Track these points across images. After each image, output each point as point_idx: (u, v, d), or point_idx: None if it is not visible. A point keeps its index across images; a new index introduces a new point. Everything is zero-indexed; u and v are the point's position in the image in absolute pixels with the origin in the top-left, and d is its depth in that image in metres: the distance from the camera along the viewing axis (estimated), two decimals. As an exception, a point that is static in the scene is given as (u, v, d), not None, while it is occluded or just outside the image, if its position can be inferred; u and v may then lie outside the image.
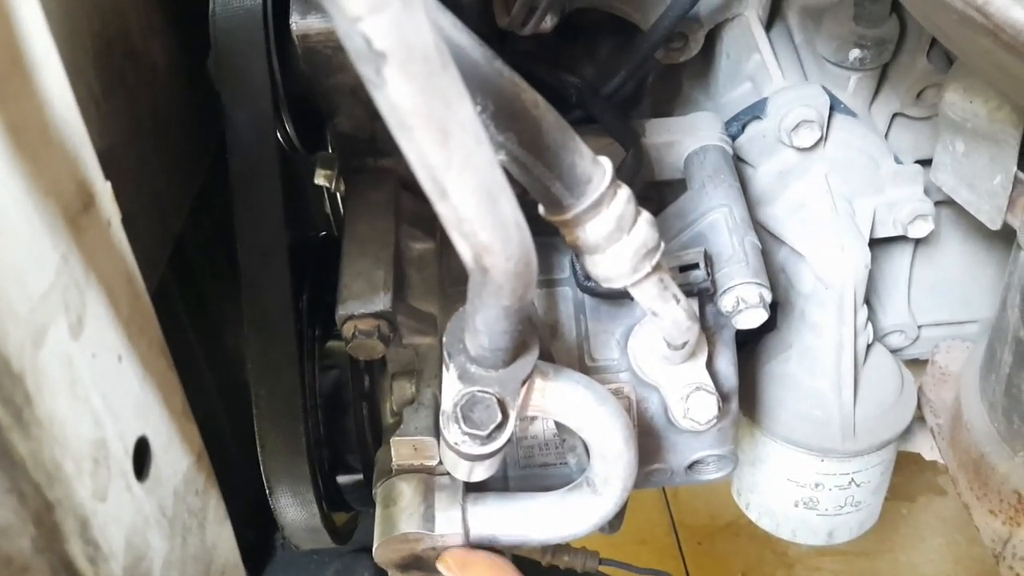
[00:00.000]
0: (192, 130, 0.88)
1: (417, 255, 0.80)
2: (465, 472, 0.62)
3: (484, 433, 0.57)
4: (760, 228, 0.90)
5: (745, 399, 0.93)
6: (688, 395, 0.72)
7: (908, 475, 1.01)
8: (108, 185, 0.44)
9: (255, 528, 1.27)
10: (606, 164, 0.55)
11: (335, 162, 0.88)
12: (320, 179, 0.90)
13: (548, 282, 0.78)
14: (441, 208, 0.42)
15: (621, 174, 0.76)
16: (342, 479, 0.84)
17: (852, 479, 0.94)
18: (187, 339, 1.12)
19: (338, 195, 1.01)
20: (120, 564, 0.39)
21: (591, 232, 0.56)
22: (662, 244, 0.59)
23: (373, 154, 0.82)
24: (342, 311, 0.71)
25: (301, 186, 0.94)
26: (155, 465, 0.43)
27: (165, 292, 1.04)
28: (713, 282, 0.72)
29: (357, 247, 0.76)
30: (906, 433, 0.98)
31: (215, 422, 1.16)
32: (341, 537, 0.85)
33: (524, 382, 0.58)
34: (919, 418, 0.99)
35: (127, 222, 0.47)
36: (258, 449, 0.75)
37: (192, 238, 0.98)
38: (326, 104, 0.80)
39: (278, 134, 0.81)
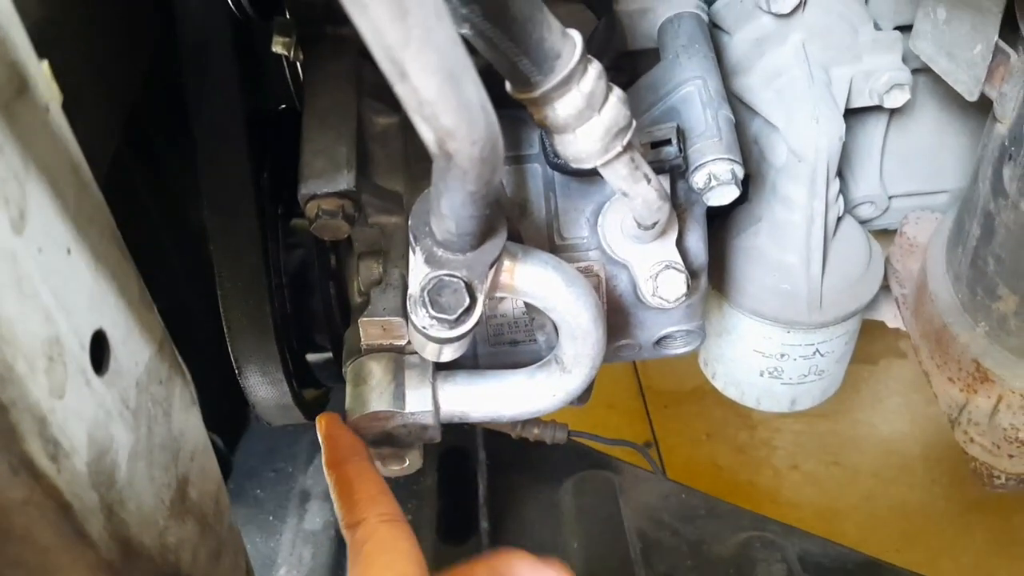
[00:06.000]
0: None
1: (381, 130, 0.78)
2: (434, 353, 0.62)
3: (452, 317, 0.56)
4: (734, 99, 0.88)
5: (714, 272, 0.94)
6: (657, 273, 0.71)
7: (870, 338, 1.04)
8: (44, 64, 0.41)
9: (229, 401, 1.28)
10: (576, 38, 0.53)
11: (293, 29, 0.84)
12: (277, 47, 0.86)
13: (517, 158, 0.76)
14: (401, 90, 0.40)
15: (592, 44, 0.73)
16: (312, 357, 0.84)
17: (817, 349, 0.96)
18: (149, 215, 1.10)
19: (298, 64, 0.97)
20: (83, 459, 0.39)
21: (560, 110, 0.54)
22: (633, 122, 0.57)
23: (331, 21, 0.78)
24: (304, 190, 0.69)
25: (259, 56, 0.90)
26: (114, 358, 0.42)
27: (123, 169, 1.01)
28: (685, 158, 0.70)
29: (318, 122, 0.73)
30: (871, 302, 0.99)
31: (183, 297, 1.15)
32: (313, 413, 0.85)
33: (492, 265, 0.57)
34: (884, 287, 1.00)
35: (72, 98, 0.45)
36: (225, 330, 0.75)
37: (148, 110, 0.94)
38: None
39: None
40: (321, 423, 0.68)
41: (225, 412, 1.26)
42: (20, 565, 0.37)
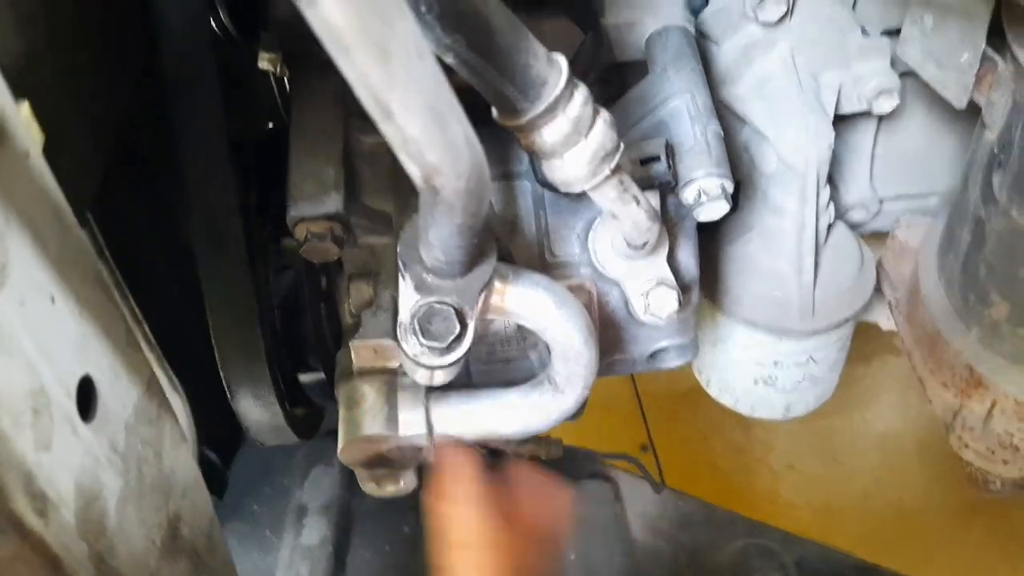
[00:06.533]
0: (131, 16, 0.81)
1: (368, 149, 0.77)
2: (425, 379, 0.62)
3: (443, 345, 0.56)
4: (723, 107, 0.88)
5: (706, 281, 0.93)
6: (649, 290, 0.71)
7: (864, 337, 1.04)
8: (24, 107, 0.40)
9: (225, 416, 1.27)
10: (562, 63, 0.52)
11: (278, 45, 0.83)
12: (264, 63, 0.85)
13: (506, 175, 0.75)
14: (386, 130, 0.39)
15: (580, 58, 0.73)
16: (304, 378, 0.84)
17: (810, 357, 0.96)
18: (141, 230, 1.09)
19: (285, 80, 0.96)
20: (71, 510, 0.38)
21: (547, 136, 0.53)
22: (621, 146, 0.57)
23: (317, 43, 0.77)
24: (293, 213, 0.69)
25: (245, 75, 0.89)
26: (102, 403, 0.42)
27: (113, 189, 1.00)
28: (674, 174, 0.70)
29: (305, 143, 0.73)
30: (864, 307, 0.99)
31: (178, 312, 1.14)
32: (306, 433, 0.85)
33: (482, 289, 0.57)
34: (877, 289, 1.00)
35: (56, 131, 0.44)
36: (216, 355, 0.74)
37: (139, 124, 0.93)
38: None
39: (212, 21, 0.76)
40: (439, 452, 0.68)
41: (221, 427, 1.25)
42: (10, 619, 0.37)
